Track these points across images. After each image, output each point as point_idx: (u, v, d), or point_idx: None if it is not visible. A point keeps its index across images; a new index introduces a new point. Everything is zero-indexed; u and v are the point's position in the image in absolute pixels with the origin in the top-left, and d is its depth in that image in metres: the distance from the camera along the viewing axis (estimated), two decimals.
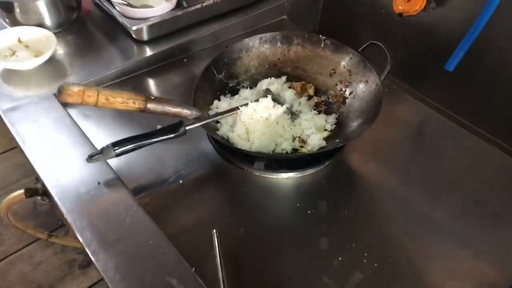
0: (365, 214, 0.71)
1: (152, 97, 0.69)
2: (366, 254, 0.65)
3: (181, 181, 0.72)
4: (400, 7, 0.93)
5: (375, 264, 0.63)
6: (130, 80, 0.94)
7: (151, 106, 0.68)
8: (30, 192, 0.78)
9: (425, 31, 0.97)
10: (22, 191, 0.81)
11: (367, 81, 0.81)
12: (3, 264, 1.50)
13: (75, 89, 0.60)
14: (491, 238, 0.68)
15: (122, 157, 0.67)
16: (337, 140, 0.76)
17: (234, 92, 0.86)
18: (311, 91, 0.87)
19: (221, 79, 0.86)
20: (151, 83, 0.96)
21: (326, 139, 0.77)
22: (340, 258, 0.64)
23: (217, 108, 0.80)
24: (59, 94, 0.61)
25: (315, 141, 0.75)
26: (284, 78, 0.88)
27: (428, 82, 1.02)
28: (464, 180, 0.77)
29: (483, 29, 0.80)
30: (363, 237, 0.67)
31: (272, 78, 0.87)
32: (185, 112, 0.71)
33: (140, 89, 0.93)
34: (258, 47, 0.89)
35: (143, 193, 0.71)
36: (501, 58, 0.85)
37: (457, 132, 0.86)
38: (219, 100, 0.82)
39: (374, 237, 0.68)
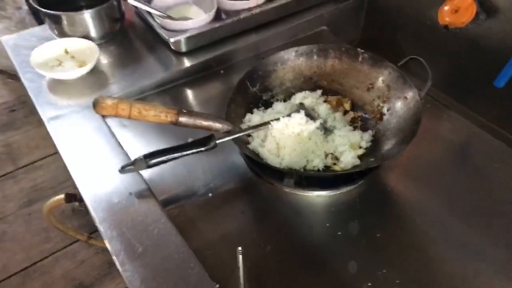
0: (399, 238, 0.68)
1: (185, 111, 0.70)
2: (398, 281, 0.61)
3: (210, 194, 0.73)
4: (447, 19, 0.89)
5: None
6: (168, 91, 0.96)
7: (183, 119, 0.69)
8: (69, 198, 0.82)
9: (473, 44, 0.92)
10: (62, 196, 0.85)
11: (406, 98, 0.77)
12: (49, 260, 1.58)
13: (109, 102, 0.62)
14: None
15: (154, 168, 0.68)
16: (372, 159, 0.73)
17: (267, 105, 0.85)
18: (347, 106, 0.84)
19: (255, 92, 0.85)
20: (189, 94, 0.97)
21: (360, 157, 0.74)
22: (369, 284, 0.61)
23: (249, 121, 0.80)
24: (94, 107, 0.63)
25: (348, 159, 0.72)
26: (319, 92, 0.86)
27: (475, 98, 0.96)
28: None
29: None
30: (395, 262, 0.64)
31: (307, 91, 0.85)
32: (217, 125, 0.71)
33: (178, 100, 0.95)
34: (293, 60, 0.88)
35: (172, 204, 0.71)
36: None
37: (505, 152, 0.80)
38: (251, 113, 0.81)
39: (408, 263, 0.64)
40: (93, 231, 1.36)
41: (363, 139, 0.77)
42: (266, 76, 0.86)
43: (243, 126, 0.79)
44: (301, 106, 0.80)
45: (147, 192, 0.69)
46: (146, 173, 0.73)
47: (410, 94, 0.76)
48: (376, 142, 0.77)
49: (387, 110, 0.80)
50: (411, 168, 0.78)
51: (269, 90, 0.87)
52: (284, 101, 0.86)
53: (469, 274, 0.63)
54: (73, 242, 1.63)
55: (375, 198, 0.73)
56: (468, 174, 0.78)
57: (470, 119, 0.88)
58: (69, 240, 1.63)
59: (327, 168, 0.73)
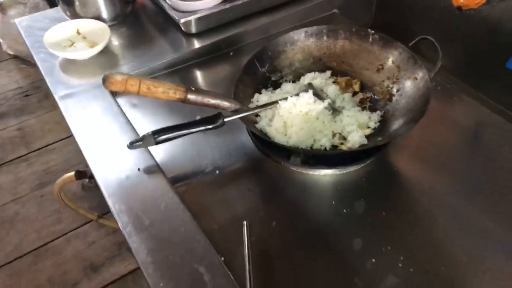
0: (405, 218, 0.68)
1: (193, 88, 0.70)
2: (402, 258, 0.61)
3: (217, 172, 0.73)
4: (460, 0, 0.87)
5: (411, 269, 0.60)
6: (178, 71, 0.96)
7: (191, 96, 0.70)
8: (80, 175, 0.83)
9: (486, 27, 0.90)
10: (73, 173, 0.86)
11: (416, 78, 0.76)
12: (60, 241, 1.62)
13: (119, 78, 0.63)
14: None
15: (163, 145, 0.69)
16: (379, 139, 0.72)
17: (276, 85, 0.85)
18: (356, 87, 0.84)
19: (264, 72, 0.85)
20: (198, 75, 0.98)
21: (368, 137, 0.74)
22: (373, 260, 0.61)
23: (257, 101, 0.80)
24: (104, 82, 0.64)
25: (355, 138, 0.72)
26: (328, 73, 0.86)
27: (488, 81, 0.94)
28: None
29: None
30: (400, 241, 0.64)
31: (316, 72, 0.85)
32: (224, 104, 0.72)
33: (187, 80, 0.95)
34: (303, 41, 0.87)
35: (181, 182, 0.72)
36: None
37: None
38: (260, 93, 0.81)
39: (413, 242, 0.64)
40: (106, 212, 1.39)
41: (371, 119, 0.77)
42: (275, 56, 0.86)
43: (251, 106, 0.79)
44: (309, 86, 0.80)
45: (155, 168, 0.71)
46: (155, 150, 0.74)
47: (420, 74, 0.75)
48: (384, 122, 0.77)
49: (397, 91, 0.79)
50: (420, 150, 0.78)
51: (278, 71, 0.87)
52: (293, 82, 0.86)
53: (472, 253, 0.62)
54: (84, 223, 1.66)
55: (382, 178, 0.73)
56: (478, 156, 0.77)
57: (482, 103, 0.87)
58: (80, 221, 1.66)
59: (334, 147, 0.73)
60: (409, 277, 0.59)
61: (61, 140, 1.99)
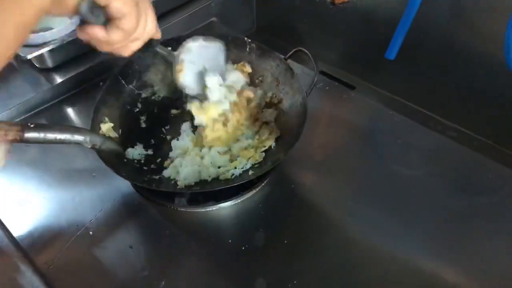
0: (310, 241, 0.61)
1: (31, 125, 0.57)
2: None
3: (91, 233, 0.61)
4: None
5: None
6: (44, 112, 0.84)
7: (30, 135, 0.56)
8: None
9: (363, 18, 0.89)
10: None
11: (294, 94, 0.71)
12: None
13: None
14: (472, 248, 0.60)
15: (20, 214, 0.57)
16: (254, 169, 0.65)
17: (148, 104, 0.76)
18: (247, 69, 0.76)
19: (132, 89, 0.76)
20: (69, 113, 0.85)
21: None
22: None
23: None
24: None
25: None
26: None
27: (376, 73, 0.93)
28: (421, 181, 0.68)
29: (421, 11, 0.71)
30: (305, 269, 0.57)
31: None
32: (77, 138, 0.58)
33: (57, 121, 0.82)
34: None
35: (44, 256, 0.59)
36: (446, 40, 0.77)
37: (408, 126, 0.77)
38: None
39: (322, 268, 0.58)
40: None
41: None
42: (144, 70, 0.78)
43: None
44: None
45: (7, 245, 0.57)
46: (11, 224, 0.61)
47: (298, 91, 0.69)
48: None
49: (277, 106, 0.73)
50: (316, 159, 0.72)
51: (149, 86, 0.78)
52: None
53: (385, 257, 0.58)
54: None
55: (280, 199, 0.67)
56: (372, 154, 0.74)
57: (371, 96, 0.85)
58: None
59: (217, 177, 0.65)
60: None
61: None
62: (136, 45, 0.54)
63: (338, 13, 0.91)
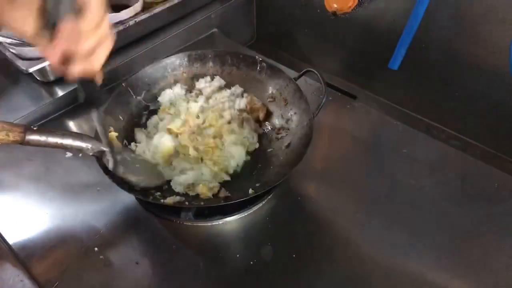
0: (318, 254, 0.61)
1: (34, 128, 0.56)
2: None
3: (96, 249, 0.60)
4: (334, 5, 0.84)
5: None
6: (47, 125, 0.82)
7: (32, 138, 0.55)
8: None
9: (366, 28, 0.89)
10: None
11: (301, 115, 0.71)
12: None
13: None
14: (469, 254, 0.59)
15: (22, 231, 0.56)
16: (257, 185, 0.64)
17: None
18: (261, 115, 0.76)
19: (140, 101, 0.76)
20: (72, 126, 0.84)
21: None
22: None
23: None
24: None
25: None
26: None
27: (379, 83, 0.93)
28: (426, 191, 0.67)
29: (423, 22, 0.72)
30: (314, 285, 0.57)
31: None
32: (78, 144, 0.58)
33: None
34: (187, 66, 0.80)
35: (50, 277, 0.58)
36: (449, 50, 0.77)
37: (411, 135, 0.77)
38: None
39: (328, 282, 0.57)
40: None
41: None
42: (153, 82, 0.78)
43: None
44: None
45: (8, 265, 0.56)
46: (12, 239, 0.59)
47: (306, 111, 0.69)
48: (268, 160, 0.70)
49: (284, 126, 0.74)
50: (322, 171, 0.72)
51: (156, 99, 0.78)
52: None
53: (394, 269, 0.58)
54: None
55: (287, 211, 0.66)
56: (376, 164, 0.73)
57: (376, 105, 0.85)
58: None
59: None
60: None
61: None
62: (103, 53, 0.49)
63: (339, 24, 0.92)
